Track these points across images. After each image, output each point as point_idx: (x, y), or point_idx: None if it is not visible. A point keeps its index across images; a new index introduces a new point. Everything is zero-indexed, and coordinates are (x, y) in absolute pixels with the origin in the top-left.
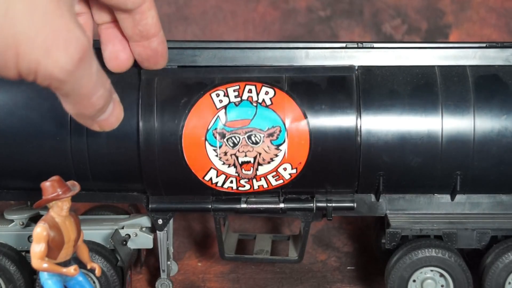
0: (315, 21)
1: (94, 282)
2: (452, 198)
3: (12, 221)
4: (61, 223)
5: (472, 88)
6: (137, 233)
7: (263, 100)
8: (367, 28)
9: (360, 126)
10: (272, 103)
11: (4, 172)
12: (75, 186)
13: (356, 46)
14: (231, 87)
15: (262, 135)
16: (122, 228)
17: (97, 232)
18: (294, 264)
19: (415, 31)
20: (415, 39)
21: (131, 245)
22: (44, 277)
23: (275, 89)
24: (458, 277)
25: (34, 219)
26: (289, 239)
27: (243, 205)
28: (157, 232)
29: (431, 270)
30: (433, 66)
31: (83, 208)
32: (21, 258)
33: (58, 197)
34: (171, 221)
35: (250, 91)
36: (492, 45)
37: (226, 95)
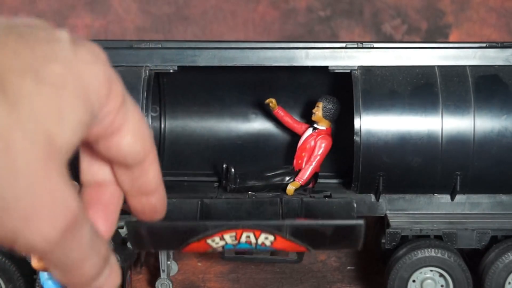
0: (315, 21)
1: None
2: (452, 198)
3: None
4: None
5: (472, 88)
6: None
7: (263, 242)
8: (367, 28)
9: (360, 126)
10: (272, 245)
11: None
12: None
13: (356, 46)
14: (227, 234)
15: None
16: (122, 228)
17: None
18: (294, 264)
19: (415, 31)
20: (415, 39)
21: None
22: (44, 277)
23: (275, 235)
24: (458, 277)
25: None
26: None
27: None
28: None
29: (431, 270)
30: (433, 66)
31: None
32: (21, 258)
33: None
34: None
35: (248, 237)
36: (492, 45)
37: (223, 239)
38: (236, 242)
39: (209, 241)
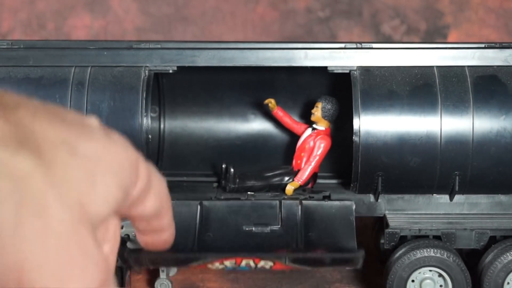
0: (314, 21)
1: None
2: (451, 198)
3: None
4: None
5: (471, 89)
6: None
7: (263, 266)
8: (366, 29)
9: (359, 127)
10: (272, 269)
11: None
12: None
13: (355, 46)
14: (227, 260)
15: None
16: (122, 228)
17: None
18: None
19: (414, 32)
20: (414, 39)
21: (131, 245)
22: None
23: (275, 261)
24: (456, 277)
25: None
26: None
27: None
28: None
29: (430, 270)
30: (432, 67)
31: None
32: None
33: None
34: None
35: (248, 263)
36: (491, 45)
37: (222, 264)
38: (236, 266)
39: (209, 265)
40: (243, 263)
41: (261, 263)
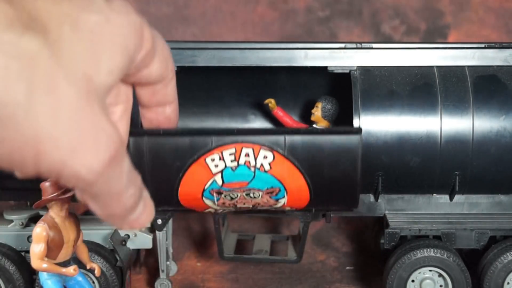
0: (314, 21)
1: (93, 282)
2: (451, 198)
3: (11, 221)
4: (61, 223)
5: (471, 89)
6: (136, 233)
7: (261, 164)
8: (366, 29)
9: (359, 126)
10: (271, 168)
11: (4, 172)
12: None
13: (355, 46)
14: (227, 150)
15: (261, 193)
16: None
17: (97, 232)
18: (293, 264)
19: (414, 32)
20: (414, 39)
21: (130, 245)
22: (43, 277)
23: (274, 152)
24: (456, 277)
25: (34, 219)
26: (288, 239)
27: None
28: (156, 232)
29: (430, 270)
30: (432, 67)
31: (83, 208)
32: (20, 258)
33: (57, 198)
34: (170, 221)
35: (247, 155)
36: (490, 45)
37: (222, 159)
38: (236, 163)
39: (208, 160)
40: (243, 156)
41: (261, 158)
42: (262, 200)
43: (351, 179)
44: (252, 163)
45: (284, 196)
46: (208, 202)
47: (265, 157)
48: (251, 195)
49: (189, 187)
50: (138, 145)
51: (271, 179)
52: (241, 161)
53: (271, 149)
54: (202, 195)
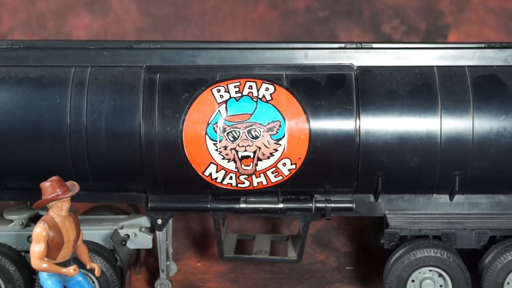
0: (314, 21)
1: (93, 282)
2: (451, 198)
3: (11, 221)
4: (61, 223)
5: (471, 89)
6: (136, 233)
7: (263, 95)
8: (366, 29)
9: (359, 126)
10: (272, 99)
11: (4, 172)
12: (74, 187)
13: (355, 46)
14: (232, 83)
15: (262, 130)
16: (122, 228)
17: (97, 232)
18: (293, 264)
19: (414, 32)
20: (414, 39)
21: (130, 245)
22: (43, 277)
23: (275, 85)
24: (456, 277)
25: (34, 219)
26: (288, 239)
27: (242, 205)
28: (156, 232)
29: (430, 270)
30: (432, 67)
31: (83, 208)
32: (20, 258)
33: (57, 198)
34: (170, 221)
35: (250, 87)
36: (490, 45)
37: (227, 90)
38: (240, 94)
39: (214, 90)
40: (246, 88)
41: (262, 90)
42: (263, 143)
43: (346, 109)
44: (255, 93)
45: (283, 135)
46: (211, 146)
47: (266, 89)
48: (253, 133)
49: (194, 120)
50: (151, 81)
51: (272, 110)
52: (245, 92)
53: (272, 82)
54: (206, 132)
